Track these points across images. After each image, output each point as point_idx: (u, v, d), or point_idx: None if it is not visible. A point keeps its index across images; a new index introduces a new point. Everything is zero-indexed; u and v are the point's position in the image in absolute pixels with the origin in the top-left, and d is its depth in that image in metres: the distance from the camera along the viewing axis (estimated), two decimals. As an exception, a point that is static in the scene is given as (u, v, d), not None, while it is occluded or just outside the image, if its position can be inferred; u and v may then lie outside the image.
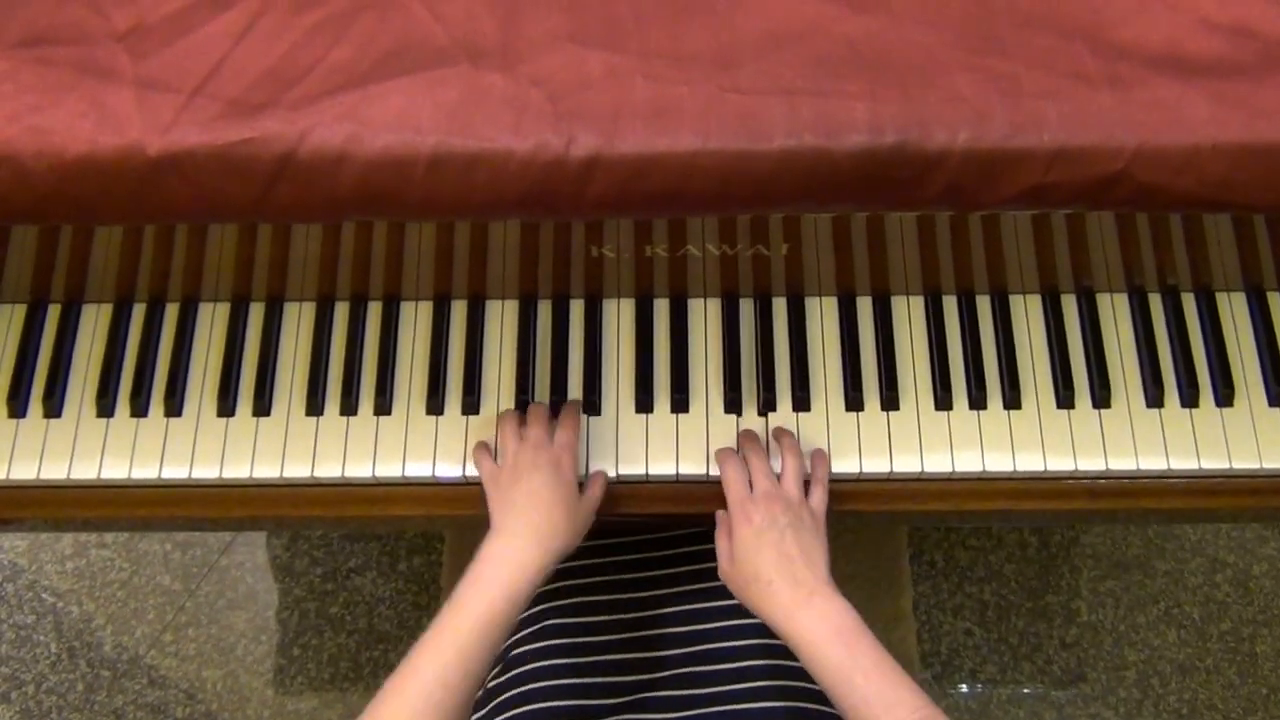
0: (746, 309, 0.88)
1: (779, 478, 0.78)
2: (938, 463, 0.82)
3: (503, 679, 0.85)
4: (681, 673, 0.85)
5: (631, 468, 0.83)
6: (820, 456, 0.82)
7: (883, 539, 1.21)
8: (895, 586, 1.16)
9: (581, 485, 0.81)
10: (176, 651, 1.47)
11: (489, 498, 0.78)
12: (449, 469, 0.83)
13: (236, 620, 1.49)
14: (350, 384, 0.85)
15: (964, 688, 1.44)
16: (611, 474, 0.84)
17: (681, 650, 0.86)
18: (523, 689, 0.83)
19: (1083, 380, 0.84)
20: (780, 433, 0.82)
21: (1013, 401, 0.84)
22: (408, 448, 0.84)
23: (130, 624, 1.49)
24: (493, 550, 0.73)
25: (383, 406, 0.85)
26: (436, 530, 1.46)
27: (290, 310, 0.88)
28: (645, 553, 0.94)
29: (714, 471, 0.81)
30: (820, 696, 0.74)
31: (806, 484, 0.80)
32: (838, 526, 1.21)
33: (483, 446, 0.82)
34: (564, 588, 0.90)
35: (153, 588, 1.51)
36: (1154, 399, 0.83)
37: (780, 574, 0.72)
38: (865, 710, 0.66)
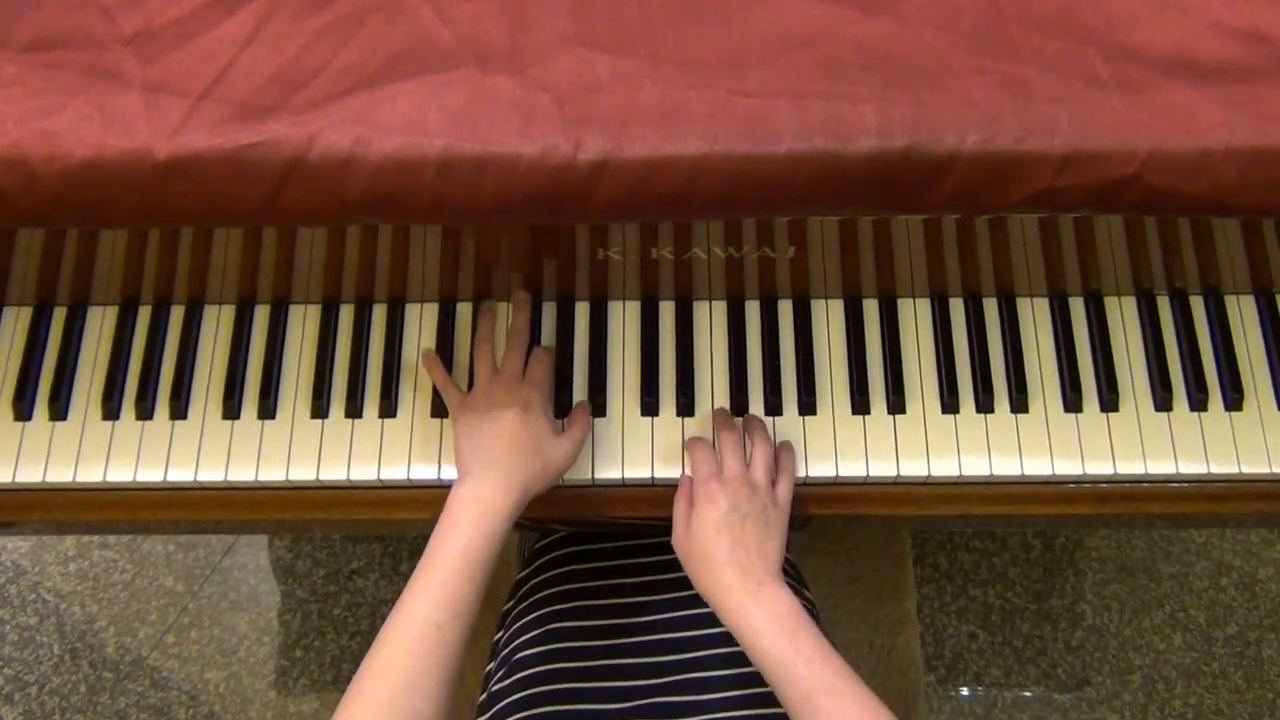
0: (752, 312, 0.87)
1: (749, 463, 0.78)
2: (944, 466, 0.82)
3: (507, 682, 0.84)
4: (687, 678, 0.85)
5: (637, 471, 0.83)
6: (787, 448, 0.82)
7: (886, 542, 1.20)
8: (899, 589, 1.16)
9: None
10: (179, 653, 1.47)
11: (455, 431, 0.78)
12: (455, 472, 0.83)
13: (239, 622, 1.49)
14: (355, 387, 0.85)
15: (968, 691, 1.44)
16: (617, 477, 0.83)
17: (687, 655, 0.86)
18: (527, 692, 0.83)
19: (1090, 384, 0.84)
20: (751, 420, 0.82)
21: (1020, 405, 0.84)
22: (413, 450, 0.84)
23: (133, 625, 1.48)
24: (460, 495, 0.73)
25: (388, 409, 0.85)
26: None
27: (295, 313, 0.88)
28: (650, 556, 0.93)
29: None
30: None
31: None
32: (842, 529, 1.21)
33: (440, 368, 0.83)
34: (568, 590, 0.90)
35: (155, 589, 1.51)
36: (1162, 403, 0.83)
37: (731, 561, 0.72)
38: (808, 699, 0.67)
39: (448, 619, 0.68)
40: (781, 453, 0.81)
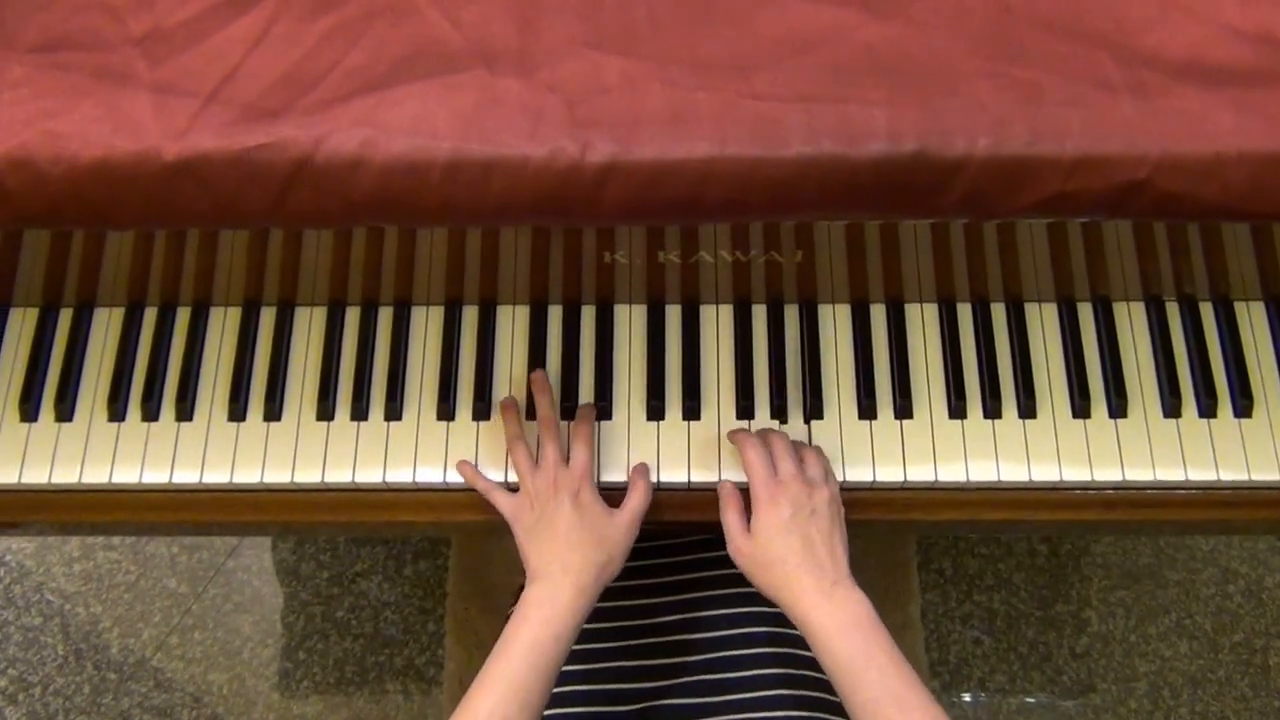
0: (759, 315, 0.87)
1: (802, 463, 0.77)
2: (952, 472, 0.82)
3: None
4: (693, 680, 0.84)
5: (643, 475, 0.83)
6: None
7: (891, 546, 1.20)
8: (903, 594, 1.16)
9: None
10: (183, 654, 1.47)
11: (515, 536, 0.78)
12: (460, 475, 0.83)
13: (242, 624, 1.49)
14: (361, 389, 0.85)
15: (972, 697, 1.43)
16: (622, 481, 0.83)
17: (693, 658, 0.86)
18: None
19: (1099, 390, 0.84)
20: (800, 444, 0.82)
21: (1028, 410, 0.83)
22: (418, 453, 0.83)
23: (137, 626, 1.48)
24: (532, 595, 0.73)
25: (393, 412, 0.84)
26: (443, 535, 1.46)
27: (301, 315, 0.88)
28: (655, 559, 0.93)
29: (727, 478, 0.81)
30: (837, 707, 0.74)
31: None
32: (847, 533, 1.20)
33: (481, 475, 0.81)
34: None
35: (159, 590, 1.51)
36: (1171, 409, 0.83)
37: (805, 560, 0.71)
38: (875, 707, 0.66)
39: (514, 711, 0.68)
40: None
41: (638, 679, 0.85)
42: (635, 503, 0.78)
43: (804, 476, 0.76)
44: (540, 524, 0.75)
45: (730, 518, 0.76)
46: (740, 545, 0.75)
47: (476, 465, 0.83)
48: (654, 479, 0.83)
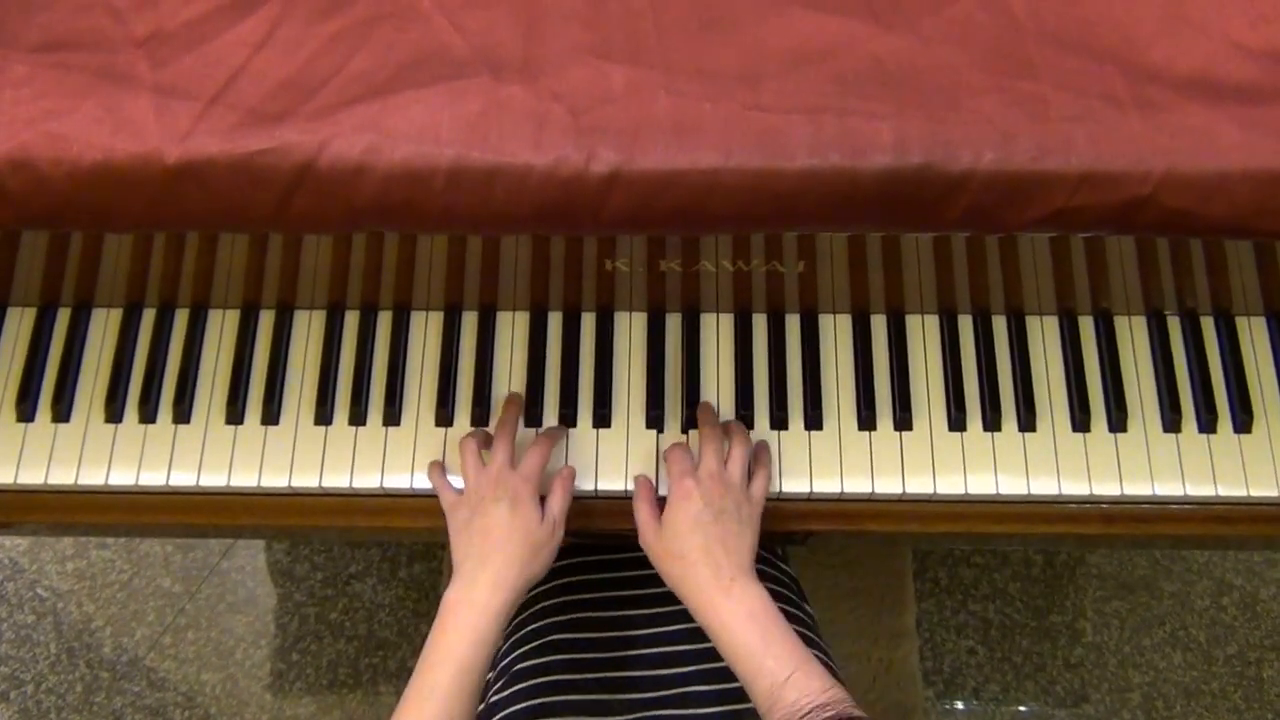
0: (759, 325, 0.87)
1: (726, 460, 0.78)
2: (951, 484, 0.82)
3: (506, 693, 0.84)
4: (687, 691, 0.84)
5: (641, 483, 0.83)
6: (763, 446, 0.82)
7: (887, 556, 1.20)
8: (898, 603, 1.16)
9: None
10: (176, 654, 1.46)
11: (449, 530, 0.77)
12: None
13: (236, 624, 1.48)
14: (359, 394, 0.84)
15: (966, 706, 1.43)
16: (621, 489, 0.83)
17: (687, 668, 0.85)
18: (526, 704, 0.82)
19: (1099, 404, 0.84)
20: (731, 422, 0.82)
21: (1028, 424, 0.83)
22: (416, 459, 0.83)
23: (130, 625, 1.48)
24: (453, 598, 0.73)
25: (392, 417, 0.84)
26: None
27: (300, 318, 0.88)
28: (650, 568, 0.93)
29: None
30: None
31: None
32: (842, 543, 1.20)
33: (439, 471, 0.81)
34: (568, 602, 0.90)
35: (153, 590, 1.50)
36: (1171, 424, 0.83)
37: (704, 557, 0.72)
38: (776, 692, 0.66)
39: None
40: (758, 450, 0.81)
41: (634, 689, 0.85)
42: (555, 506, 0.78)
43: (723, 475, 0.76)
44: (474, 520, 0.75)
45: (641, 511, 0.77)
46: (647, 539, 0.76)
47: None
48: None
